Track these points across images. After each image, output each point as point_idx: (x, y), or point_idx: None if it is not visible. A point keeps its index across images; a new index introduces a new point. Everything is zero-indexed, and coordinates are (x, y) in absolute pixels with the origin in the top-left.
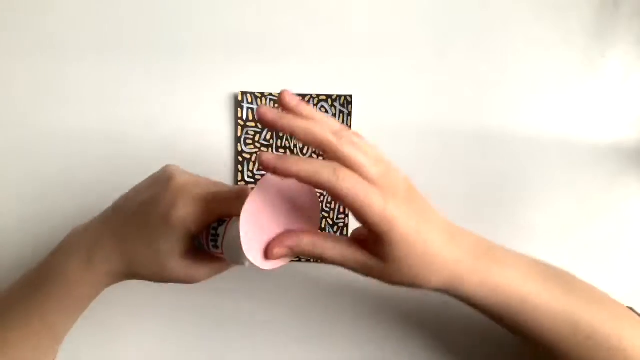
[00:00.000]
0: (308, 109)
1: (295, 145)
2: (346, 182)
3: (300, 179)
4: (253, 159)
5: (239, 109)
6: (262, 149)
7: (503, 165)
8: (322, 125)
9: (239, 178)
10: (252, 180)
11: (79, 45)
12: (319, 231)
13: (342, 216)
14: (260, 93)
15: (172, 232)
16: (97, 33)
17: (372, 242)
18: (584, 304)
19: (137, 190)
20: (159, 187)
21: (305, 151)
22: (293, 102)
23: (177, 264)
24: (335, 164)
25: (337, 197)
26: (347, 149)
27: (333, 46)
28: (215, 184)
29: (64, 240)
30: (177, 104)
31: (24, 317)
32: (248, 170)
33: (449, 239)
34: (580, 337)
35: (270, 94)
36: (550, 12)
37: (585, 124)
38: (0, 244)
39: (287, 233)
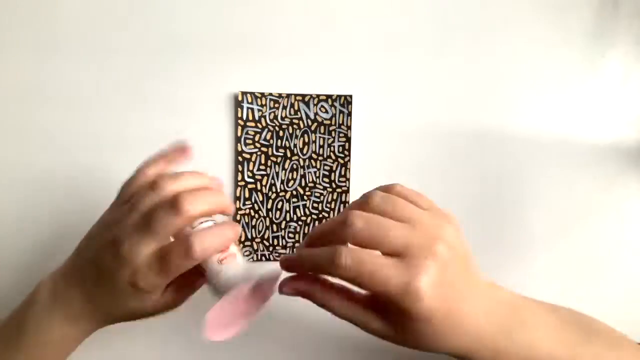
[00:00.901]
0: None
1: (295, 145)
2: (354, 264)
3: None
4: (253, 159)
5: (239, 109)
6: (262, 149)
7: (503, 165)
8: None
9: (239, 178)
10: (252, 180)
11: (78, 46)
12: (336, 284)
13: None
14: (260, 93)
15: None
16: (96, 34)
17: (393, 311)
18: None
19: (86, 259)
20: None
21: (305, 151)
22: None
23: (151, 311)
24: (340, 247)
25: (349, 280)
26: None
27: (333, 46)
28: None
29: (38, 294)
30: (177, 104)
31: None
32: (248, 170)
33: (483, 313)
34: None
35: (270, 94)
36: (550, 12)
37: (585, 124)
38: None
39: (302, 277)
